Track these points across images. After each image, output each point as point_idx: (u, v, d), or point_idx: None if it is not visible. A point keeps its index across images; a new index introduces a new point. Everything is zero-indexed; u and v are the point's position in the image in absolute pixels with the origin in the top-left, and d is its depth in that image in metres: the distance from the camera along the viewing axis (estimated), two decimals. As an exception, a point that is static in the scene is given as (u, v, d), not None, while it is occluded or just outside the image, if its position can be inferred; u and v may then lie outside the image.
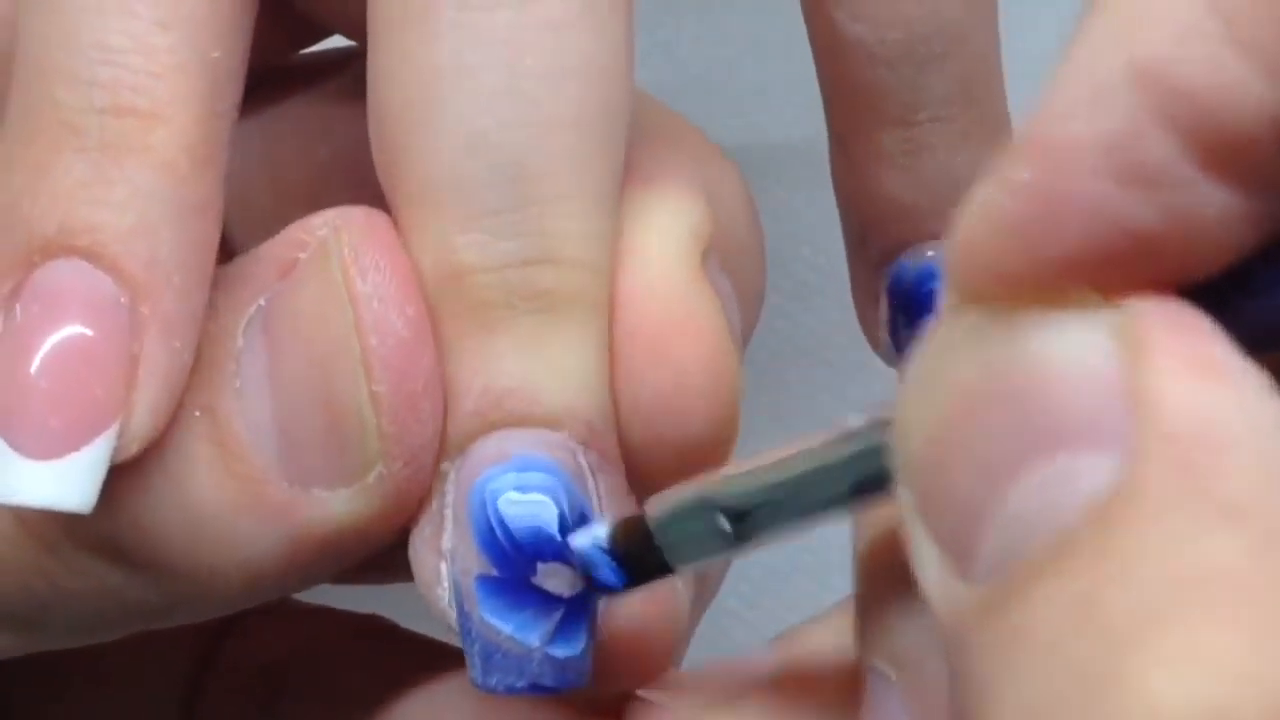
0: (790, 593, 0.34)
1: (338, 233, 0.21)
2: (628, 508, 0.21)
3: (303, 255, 0.21)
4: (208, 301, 0.20)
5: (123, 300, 0.19)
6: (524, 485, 0.21)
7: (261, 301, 0.21)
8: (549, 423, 0.21)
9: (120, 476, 0.20)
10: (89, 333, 0.19)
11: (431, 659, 0.24)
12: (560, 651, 0.21)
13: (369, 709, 0.25)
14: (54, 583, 0.21)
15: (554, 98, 0.20)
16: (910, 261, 0.24)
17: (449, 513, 0.21)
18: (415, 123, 0.20)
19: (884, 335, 0.25)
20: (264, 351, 0.21)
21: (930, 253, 0.24)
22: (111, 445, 0.19)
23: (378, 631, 0.26)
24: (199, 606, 0.22)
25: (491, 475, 0.21)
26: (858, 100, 0.24)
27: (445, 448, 0.21)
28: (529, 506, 0.21)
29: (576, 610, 0.21)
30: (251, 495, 0.20)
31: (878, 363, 0.34)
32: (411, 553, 0.22)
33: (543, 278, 0.21)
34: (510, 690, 0.21)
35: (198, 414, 0.20)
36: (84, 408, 0.19)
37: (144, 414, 0.20)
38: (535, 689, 0.21)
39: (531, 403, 0.21)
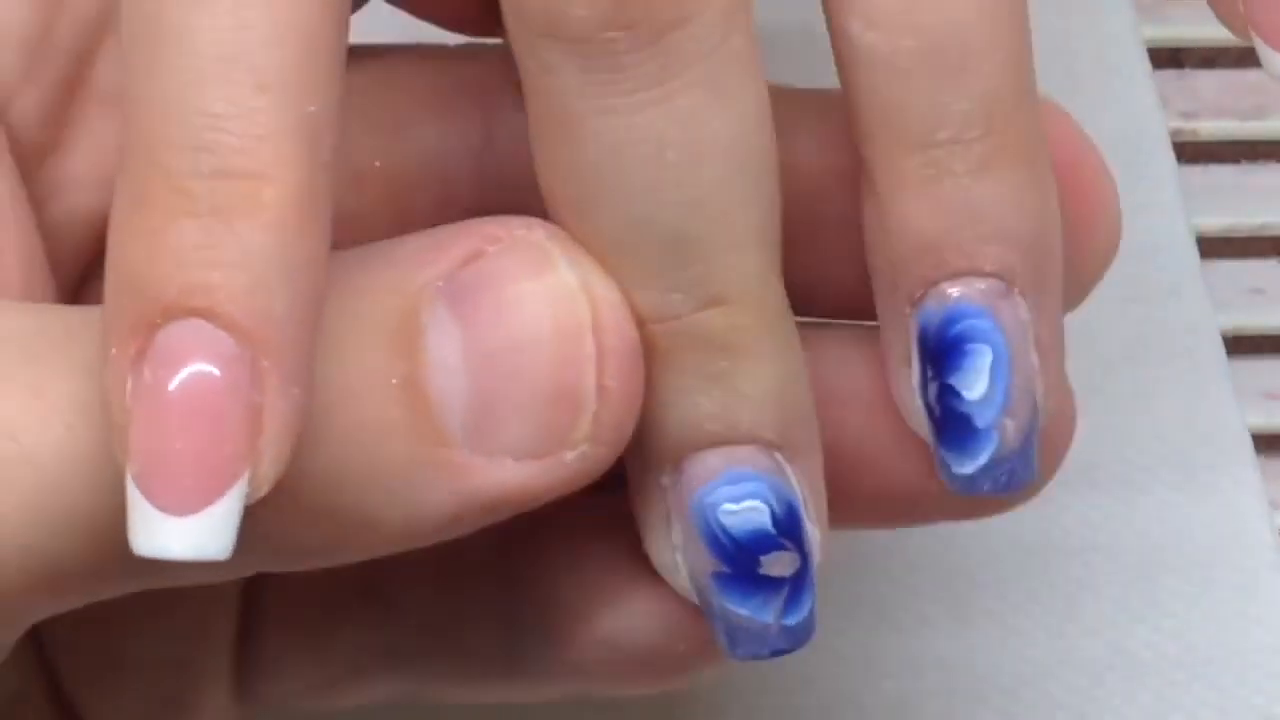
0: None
1: (558, 238, 0.22)
2: (821, 480, 0.24)
3: (494, 248, 0.22)
4: (315, 347, 0.21)
5: (243, 354, 0.20)
6: (736, 496, 0.23)
7: (440, 283, 0.22)
8: (747, 441, 0.23)
9: (310, 436, 0.21)
10: (215, 389, 0.20)
11: (608, 529, 0.25)
12: (791, 620, 0.24)
13: (531, 584, 0.26)
14: None
15: (696, 180, 0.22)
16: (935, 303, 0.23)
17: (674, 517, 0.24)
18: (573, 215, 0.23)
19: (915, 401, 0.24)
20: (455, 328, 0.22)
21: (955, 292, 0.23)
22: (244, 494, 0.20)
23: None
24: (348, 553, 0.23)
25: (707, 491, 0.23)
26: (874, 117, 0.23)
27: (658, 464, 0.23)
28: (745, 513, 0.23)
29: (799, 584, 0.24)
30: (432, 456, 0.22)
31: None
32: (647, 545, 0.24)
33: (713, 321, 0.23)
34: (755, 657, 0.24)
35: (394, 382, 0.22)
36: (217, 463, 0.20)
37: (271, 462, 0.21)
38: (776, 653, 0.24)
39: (729, 427, 0.23)
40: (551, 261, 0.22)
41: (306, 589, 0.26)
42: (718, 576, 0.23)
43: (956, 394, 0.23)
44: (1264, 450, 0.36)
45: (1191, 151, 0.39)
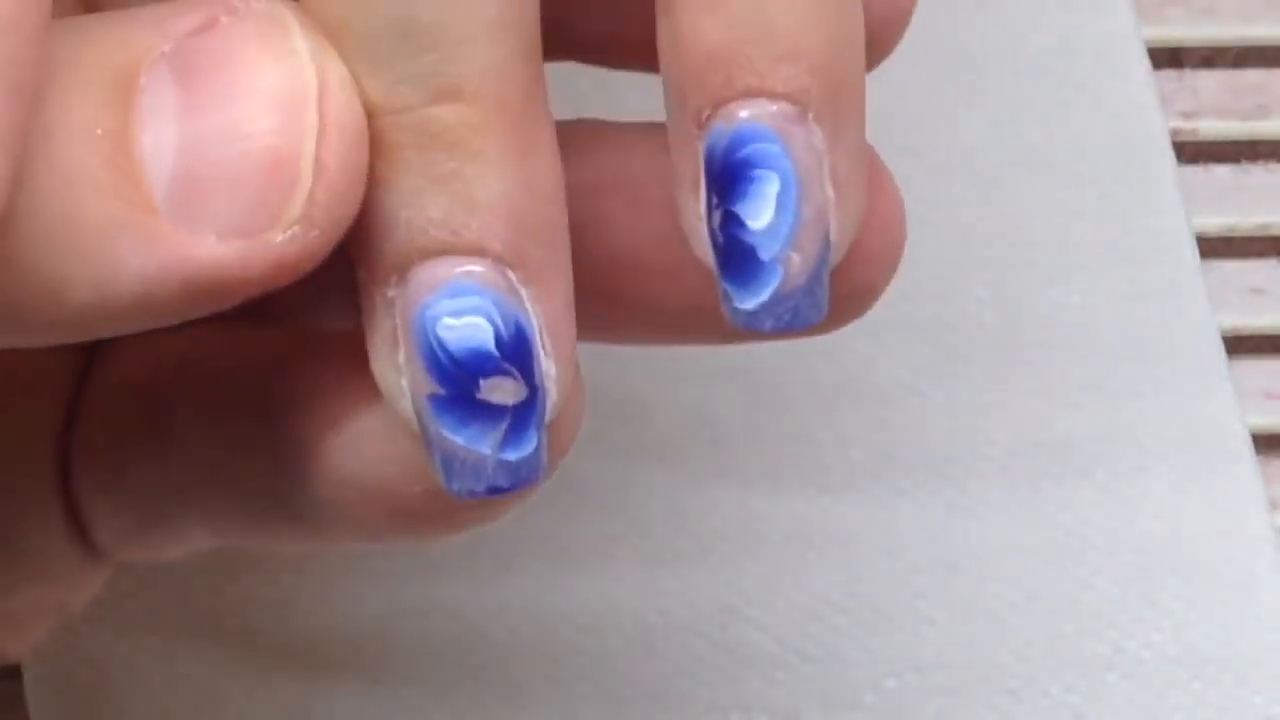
0: (792, 589, 0.34)
1: (292, 12, 0.22)
2: (567, 313, 0.23)
3: (227, 18, 0.22)
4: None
5: None
6: (458, 310, 0.22)
7: (166, 48, 0.21)
8: (473, 251, 0.22)
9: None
10: None
11: (349, 356, 0.24)
12: (512, 455, 0.22)
13: (280, 415, 0.25)
14: None
15: None
16: (724, 124, 0.22)
17: (399, 334, 0.22)
18: None
19: (699, 228, 0.23)
20: (173, 91, 0.21)
21: (744, 113, 0.22)
22: None
23: (278, 335, 0.26)
24: (33, 322, 0.22)
25: (429, 303, 0.22)
26: None
27: (384, 274, 0.22)
28: (465, 329, 0.22)
29: (523, 416, 0.22)
30: (136, 222, 0.21)
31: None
32: (373, 367, 0.23)
33: (444, 116, 0.22)
34: (472, 494, 0.23)
35: (99, 132, 0.21)
36: None
37: None
38: (494, 491, 0.23)
39: (453, 234, 0.22)
40: (286, 32, 0.21)
41: (106, 424, 0.26)
42: (434, 399, 0.22)
43: (740, 222, 0.22)
44: (1264, 450, 0.36)
45: (1191, 151, 0.39)
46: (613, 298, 0.24)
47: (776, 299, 0.23)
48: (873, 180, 0.23)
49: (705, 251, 0.23)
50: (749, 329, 0.23)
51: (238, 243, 0.21)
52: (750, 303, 0.23)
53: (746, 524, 0.34)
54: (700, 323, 0.24)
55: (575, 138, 0.24)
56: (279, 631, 0.33)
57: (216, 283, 0.21)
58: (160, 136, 0.21)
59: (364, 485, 0.24)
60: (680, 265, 0.24)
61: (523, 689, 0.33)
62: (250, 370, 0.25)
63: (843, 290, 0.23)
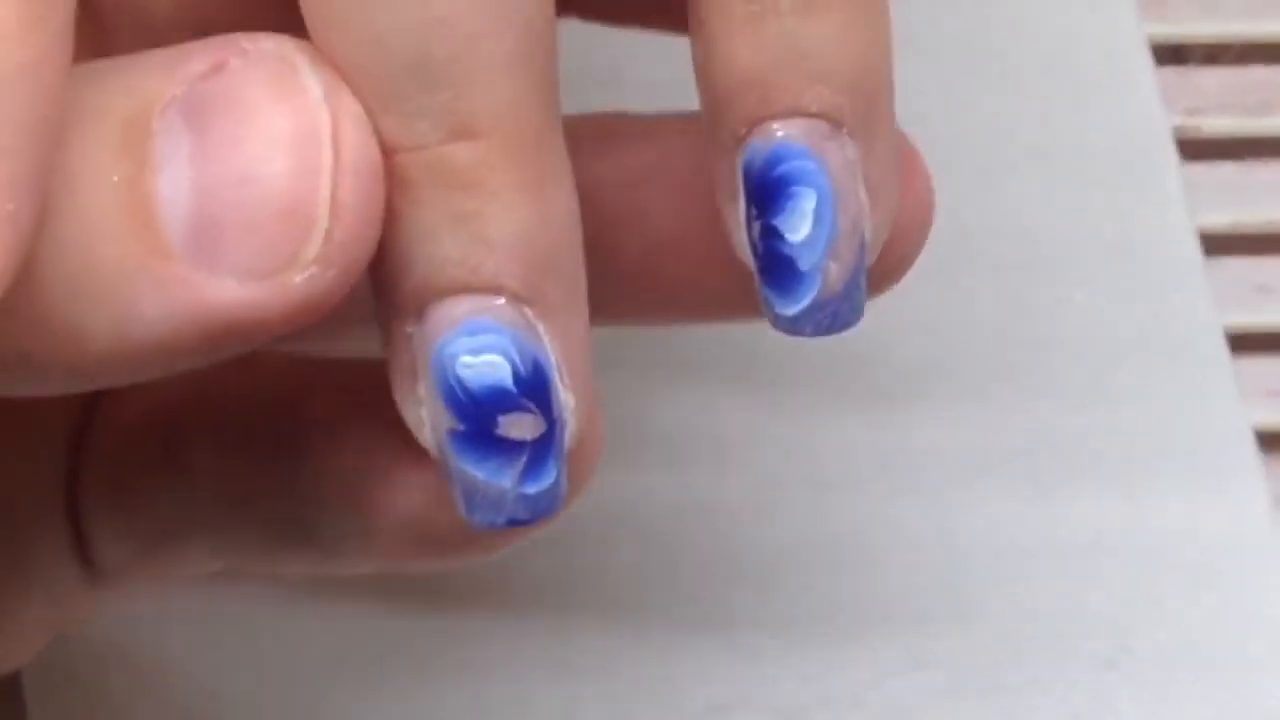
0: (792, 588, 0.34)
1: (307, 51, 0.22)
2: (584, 345, 0.23)
3: (237, 60, 0.21)
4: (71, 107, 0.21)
5: None
6: (476, 348, 0.22)
7: (177, 91, 0.21)
8: (491, 289, 0.22)
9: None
10: None
11: (374, 386, 0.24)
12: (532, 488, 0.23)
13: (304, 447, 0.25)
14: None
15: None
16: (761, 141, 0.23)
17: (419, 370, 0.22)
18: (319, 32, 0.22)
19: (740, 235, 0.23)
20: (187, 136, 0.21)
21: (780, 132, 0.23)
22: None
23: (295, 362, 0.27)
24: (60, 373, 0.22)
25: (447, 340, 0.22)
26: None
27: (403, 310, 0.22)
28: (483, 367, 0.22)
29: (542, 450, 0.23)
30: (153, 267, 0.21)
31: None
32: (395, 398, 0.23)
33: (459, 155, 0.22)
34: (493, 525, 0.23)
35: (115, 180, 0.21)
36: None
37: None
38: (514, 522, 0.23)
39: (471, 272, 0.22)
40: (295, 73, 0.21)
41: (118, 451, 0.26)
42: (453, 435, 0.22)
43: (779, 235, 0.23)
44: (1267, 449, 0.36)
45: (1195, 149, 0.39)
46: (656, 280, 0.24)
47: (816, 305, 0.23)
48: (903, 161, 0.24)
49: (747, 256, 0.23)
50: (790, 333, 0.24)
51: (256, 285, 0.21)
52: (791, 309, 0.23)
53: (747, 523, 0.34)
54: (741, 299, 0.25)
55: (615, 131, 0.24)
56: (279, 631, 0.33)
57: (236, 326, 0.21)
58: (175, 181, 0.21)
59: (394, 515, 0.25)
60: (722, 247, 0.24)
61: (523, 688, 0.33)
62: (269, 400, 0.25)
63: (878, 267, 0.24)
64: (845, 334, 0.30)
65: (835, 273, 0.23)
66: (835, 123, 0.23)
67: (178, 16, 0.24)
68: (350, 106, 0.21)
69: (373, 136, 0.22)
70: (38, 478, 0.26)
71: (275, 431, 0.26)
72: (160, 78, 0.21)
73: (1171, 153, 0.39)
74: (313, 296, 0.21)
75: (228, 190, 0.21)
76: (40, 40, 0.20)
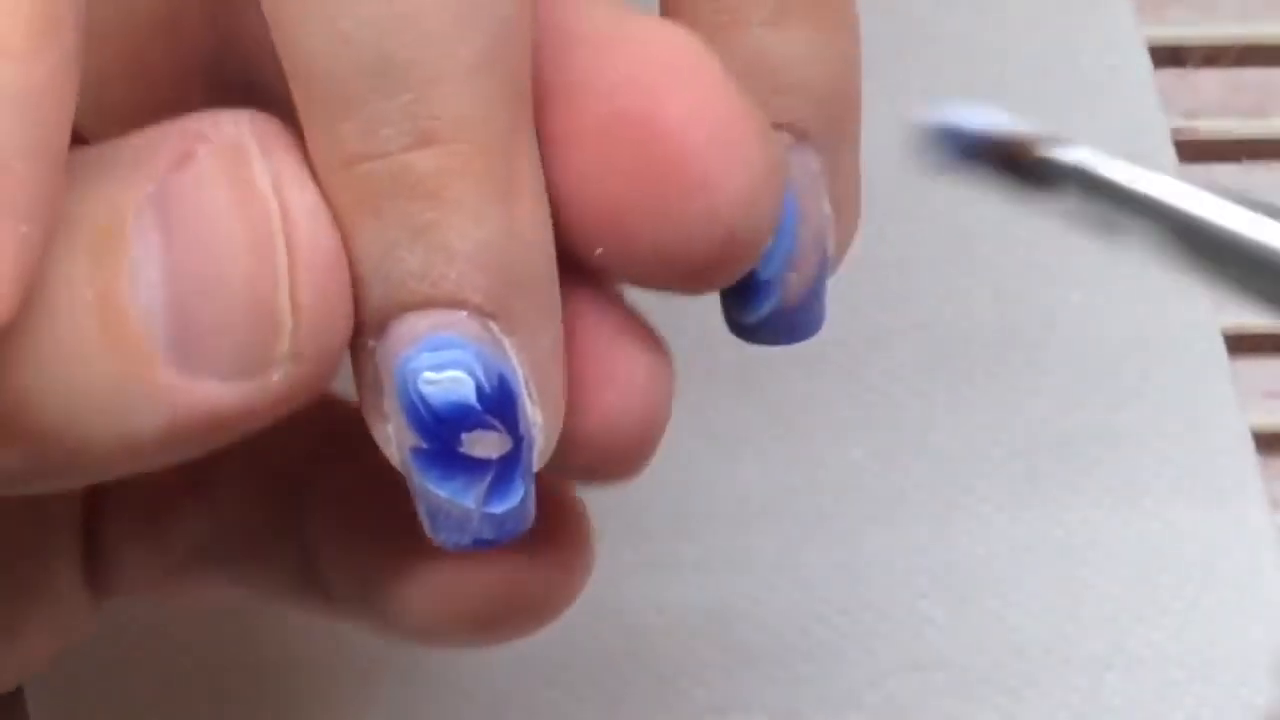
0: (792, 589, 0.34)
1: (260, 138, 0.21)
2: (554, 360, 0.22)
3: (202, 149, 0.21)
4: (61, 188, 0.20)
5: None
6: (438, 364, 0.22)
7: (150, 189, 0.21)
8: (453, 303, 0.21)
9: (10, 353, 0.20)
10: None
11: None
12: (497, 508, 0.22)
13: (315, 511, 0.25)
14: None
15: None
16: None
17: (383, 386, 0.22)
18: (279, 35, 0.21)
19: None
20: (157, 238, 0.21)
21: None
22: None
23: (317, 419, 0.26)
24: (69, 477, 0.22)
25: (409, 357, 0.22)
26: None
27: (365, 326, 0.22)
28: (445, 384, 0.22)
29: (508, 468, 0.22)
30: (136, 375, 0.21)
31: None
32: (365, 417, 0.22)
33: (420, 163, 0.21)
34: (458, 546, 0.22)
35: (90, 297, 0.21)
36: None
37: None
38: (479, 544, 0.22)
39: (432, 286, 0.21)
40: (247, 165, 0.21)
41: (145, 479, 0.25)
42: (416, 452, 0.22)
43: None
44: (1265, 450, 0.36)
45: (1193, 151, 0.39)
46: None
47: (774, 315, 0.23)
48: (616, 357, 0.23)
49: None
50: (748, 341, 0.23)
51: (238, 385, 0.21)
52: (749, 318, 0.23)
53: (746, 523, 0.34)
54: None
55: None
56: (280, 632, 0.33)
57: (227, 422, 0.21)
58: (150, 288, 0.21)
59: (405, 606, 0.24)
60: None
61: (523, 689, 0.33)
62: (291, 452, 0.25)
63: (589, 463, 0.23)
64: (845, 333, 0.30)
65: (795, 284, 0.23)
66: (799, 135, 0.23)
67: (132, 99, 0.24)
68: (301, 199, 0.21)
69: (326, 221, 0.21)
70: (54, 503, 0.26)
71: (292, 485, 0.25)
72: (131, 180, 0.21)
73: (1170, 154, 0.39)
74: (295, 389, 0.21)
75: (196, 296, 0.21)
76: (50, 61, 0.20)
